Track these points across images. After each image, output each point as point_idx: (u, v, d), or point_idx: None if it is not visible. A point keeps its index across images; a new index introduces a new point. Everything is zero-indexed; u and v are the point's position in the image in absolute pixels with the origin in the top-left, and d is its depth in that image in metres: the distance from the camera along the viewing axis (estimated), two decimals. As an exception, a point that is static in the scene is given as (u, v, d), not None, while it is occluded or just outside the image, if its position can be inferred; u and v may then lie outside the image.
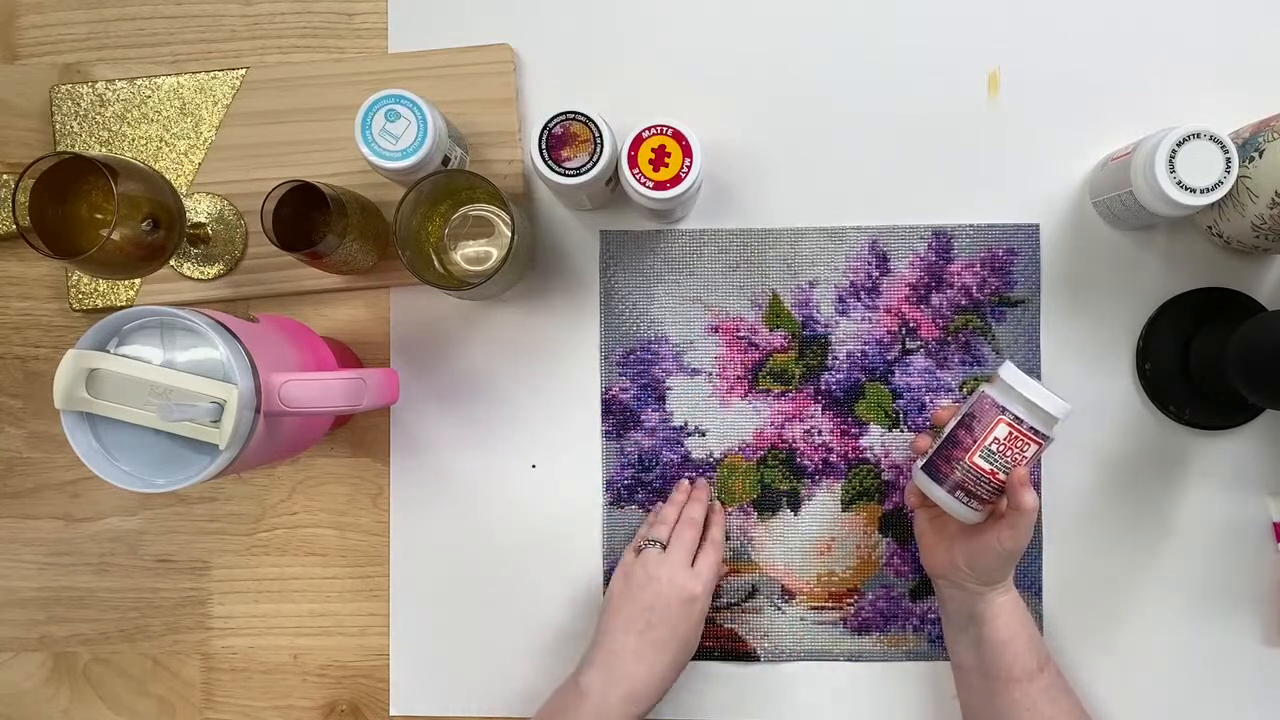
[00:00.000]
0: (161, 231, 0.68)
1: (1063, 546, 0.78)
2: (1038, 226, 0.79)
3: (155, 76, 0.80)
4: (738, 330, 0.79)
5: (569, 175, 0.68)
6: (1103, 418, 0.78)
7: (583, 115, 0.68)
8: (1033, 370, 0.78)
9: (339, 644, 0.81)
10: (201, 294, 0.80)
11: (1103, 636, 0.78)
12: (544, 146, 0.68)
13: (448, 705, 0.80)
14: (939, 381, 0.79)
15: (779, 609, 0.79)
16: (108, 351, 0.61)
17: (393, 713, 0.80)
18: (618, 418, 0.79)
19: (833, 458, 0.79)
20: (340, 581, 0.81)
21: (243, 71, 0.79)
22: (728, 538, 0.78)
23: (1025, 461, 0.66)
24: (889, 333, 0.79)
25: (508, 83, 0.79)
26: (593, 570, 0.79)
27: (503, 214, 0.77)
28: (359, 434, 0.81)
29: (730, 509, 0.79)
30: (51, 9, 0.81)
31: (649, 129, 0.69)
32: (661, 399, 0.79)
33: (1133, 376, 0.78)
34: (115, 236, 0.64)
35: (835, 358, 0.79)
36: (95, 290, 0.80)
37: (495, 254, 0.77)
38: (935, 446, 0.68)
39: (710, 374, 0.79)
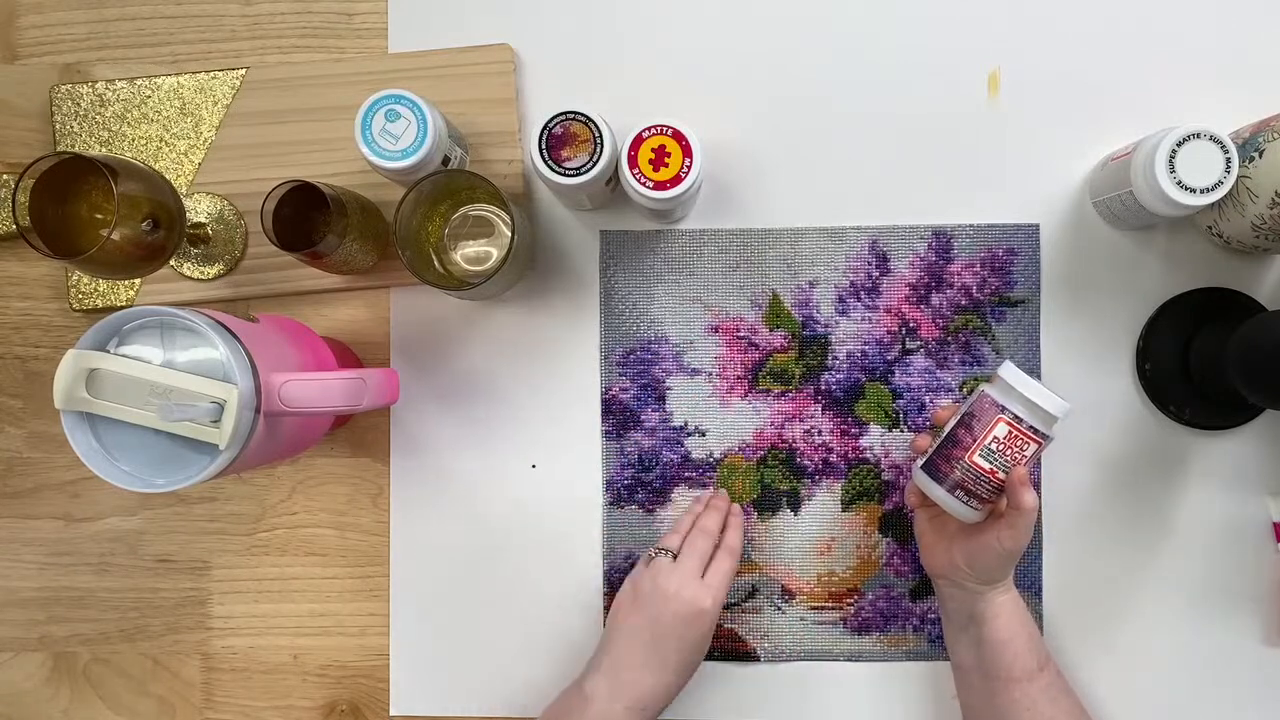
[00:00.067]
0: (161, 231, 0.68)
1: (1063, 546, 0.78)
2: (1038, 226, 0.79)
3: (155, 76, 0.80)
4: (738, 330, 0.79)
5: (569, 175, 0.68)
6: (1103, 418, 0.78)
7: (583, 115, 0.68)
8: (1033, 370, 0.78)
9: (339, 644, 0.81)
10: (201, 294, 0.80)
11: (1103, 636, 0.78)
12: (544, 146, 0.68)
13: (448, 705, 0.80)
14: (939, 381, 0.79)
15: (779, 609, 0.79)
16: (108, 351, 0.61)
17: (393, 713, 0.80)
18: (618, 418, 0.79)
19: (833, 458, 0.79)
20: (340, 581, 0.81)
21: (243, 71, 0.79)
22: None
23: (1025, 461, 0.66)
24: (889, 333, 0.79)
25: (508, 83, 0.79)
26: (593, 570, 0.79)
27: (503, 214, 0.77)
28: (359, 434, 0.81)
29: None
30: (51, 9, 0.81)
31: (649, 129, 0.69)
32: (661, 399, 0.79)
33: (1133, 376, 0.78)
34: (115, 236, 0.64)
35: (835, 358, 0.79)
36: (95, 290, 0.80)
37: (495, 254, 0.77)
38: (935, 446, 0.68)
39: (710, 374, 0.79)
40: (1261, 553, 0.77)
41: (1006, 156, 0.79)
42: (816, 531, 0.79)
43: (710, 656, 0.77)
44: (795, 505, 0.79)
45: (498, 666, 0.79)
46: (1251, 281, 0.77)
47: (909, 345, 0.79)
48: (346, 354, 0.78)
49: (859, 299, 0.79)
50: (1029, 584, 0.78)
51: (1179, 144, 0.67)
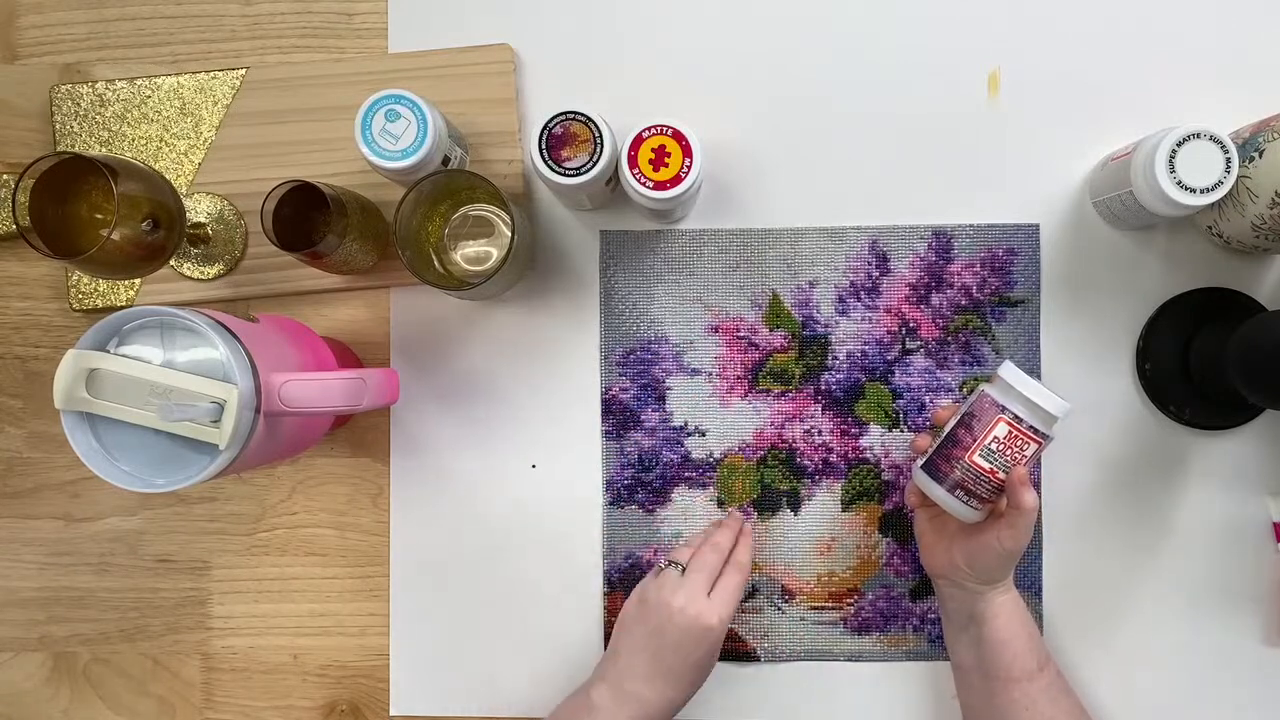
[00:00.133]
0: (161, 231, 0.68)
1: (1063, 546, 0.78)
2: (1038, 226, 0.79)
3: (155, 76, 0.80)
4: (738, 330, 0.79)
5: (569, 175, 0.68)
6: (1103, 418, 0.78)
7: (583, 115, 0.68)
8: (1033, 370, 0.78)
9: (339, 644, 0.81)
10: (201, 294, 0.80)
11: (1102, 636, 0.78)
12: (544, 146, 0.68)
13: (448, 705, 0.80)
14: (939, 381, 0.79)
15: (779, 609, 0.79)
16: (108, 351, 0.61)
17: (393, 713, 0.80)
18: (618, 418, 0.79)
19: (833, 458, 0.79)
20: (340, 581, 0.81)
21: (243, 71, 0.79)
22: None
23: (1025, 461, 0.66)
24: (889, 333, 0.79)
25: (508, 83, 0.79)
26: (593, 570, 0.79)
27: (503, 214, 0.77)
28: (359, 434, 0.81)
29: (730, 509, 0.79)
30: (51, 9, 0.81)
31: (649, 129, 0.69)
32: (661, 399, 0.79)
33: (1133, 376, 0.78)
34: (115, 236, 0.64)
35: (835, 358, 0.79)
36: (95, 290, 0.80)
37: (495, 254, 0.77)
38: (935, 446, 0.68)
39: (710, 374, 0.79)
40: (1261, 553, 0.77)
41: (1006, 156, 0.79)
42: (816, 531, 0.79)
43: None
44: (795, 505, 0.79)
45: (498, 666, 0.79)
46: (1251, 281, 0.77)
47: (909, 345, 0.79)
48: (346, 354, 0.78)
49: (859, 299, 0.79)
50: (1029, 584, 0.78)
51: (1179, 144, 0.67)
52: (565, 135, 0.68)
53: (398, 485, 0.80)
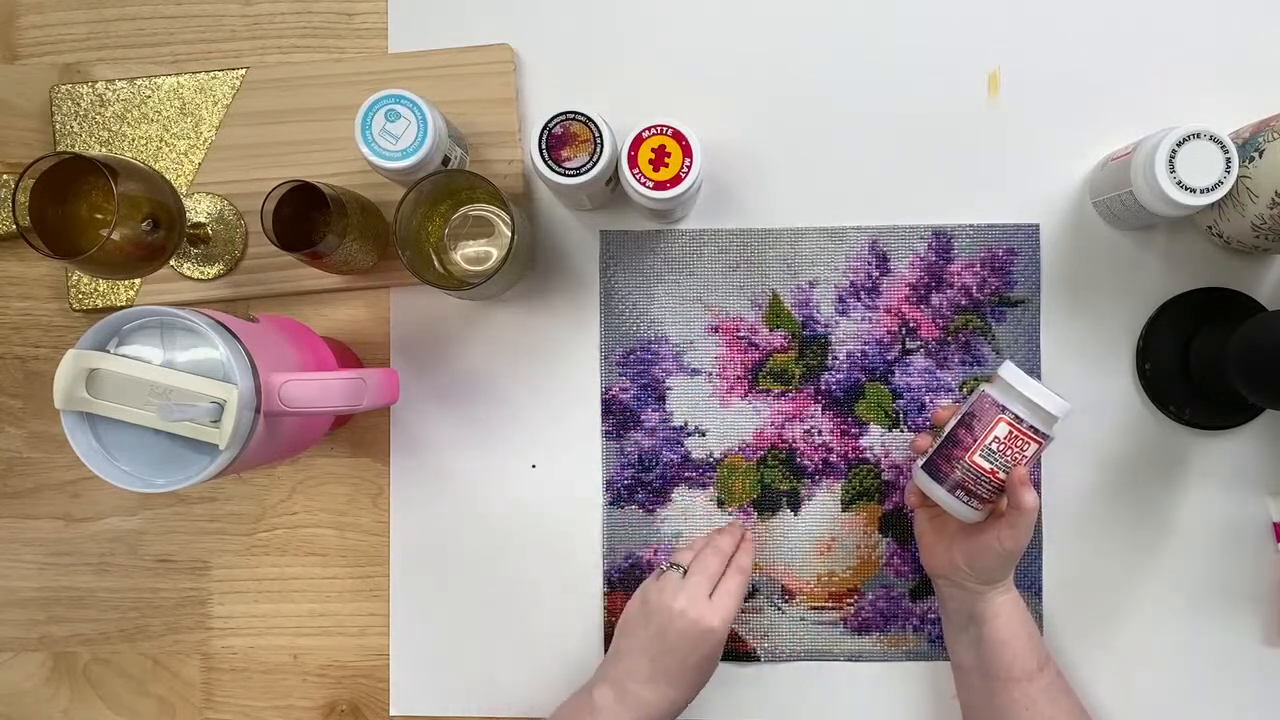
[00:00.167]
0: (161, 231, 0.68)
1: (1063, 546, 0.78)
2: (1038, 226, 0.79)
3: (155, 76, 0.80)
4: (738, 330, 0.79)
5: (569, 175, 0.68)
6: (1103, 418, 0.78)
7: (583, 115, 0.68)
8: (1033, 370, 0.78)
9: (339, 644, 0.81)
10: (201, 294, 0.80)
11: (1102, 636, 0.78)
12: (544, 146, 0.68)
13: (448, 705, 0.80)
14: (939, 381, 0.79)
15: (779, 609, 0.79)
16: (108, 351, 0.61)
17: (393, 713, 0.80)
18: (618, 418, 0.79)
19: (833, 458, 0.79)
20: (340, 581, 0.81)
21: (243, 71, 0.79)
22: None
23: (1025, 461, 0.66)
24: (889, 333, 0.79)
25: (508, 83, 0.79)
26: (593, 570, 0.79)
27: (503, 214, 0.77)
28: (359, 434, 0.81)
29: (730, 509, 0.79)
30: (51, 9, 0.81)
31: (649, 129, 0.69)
32: (661, 399, 0.79)
33: (1133, 376, 0.78)
34: (115, 236, 0.64)
35: (835, 358, 0.79)
36: (95, 290, 0.80)
37: (495, 254, 0.77)
38: (935, 446, 0.68)
39: (710, 374, 0.79)
40: (1261, 553, 0.77)
41: (1006, 156, 0.79)
42: (816, 531, 0.79)
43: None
44: (795, 505, 0.79)
45: (498, 666, 0.79)
46: (1251, 281, 0.77)
47: (909, 345, 0.79)
48: (346, 354, 0.78)
49: (859, 299, 0.79)
50: (1029, 584, 0.78)
51: (1179, 144, 0.67)
52: (565, 135, 0.68)
53: (398, 485, 0.80)
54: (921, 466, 0.69)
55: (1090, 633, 0.78)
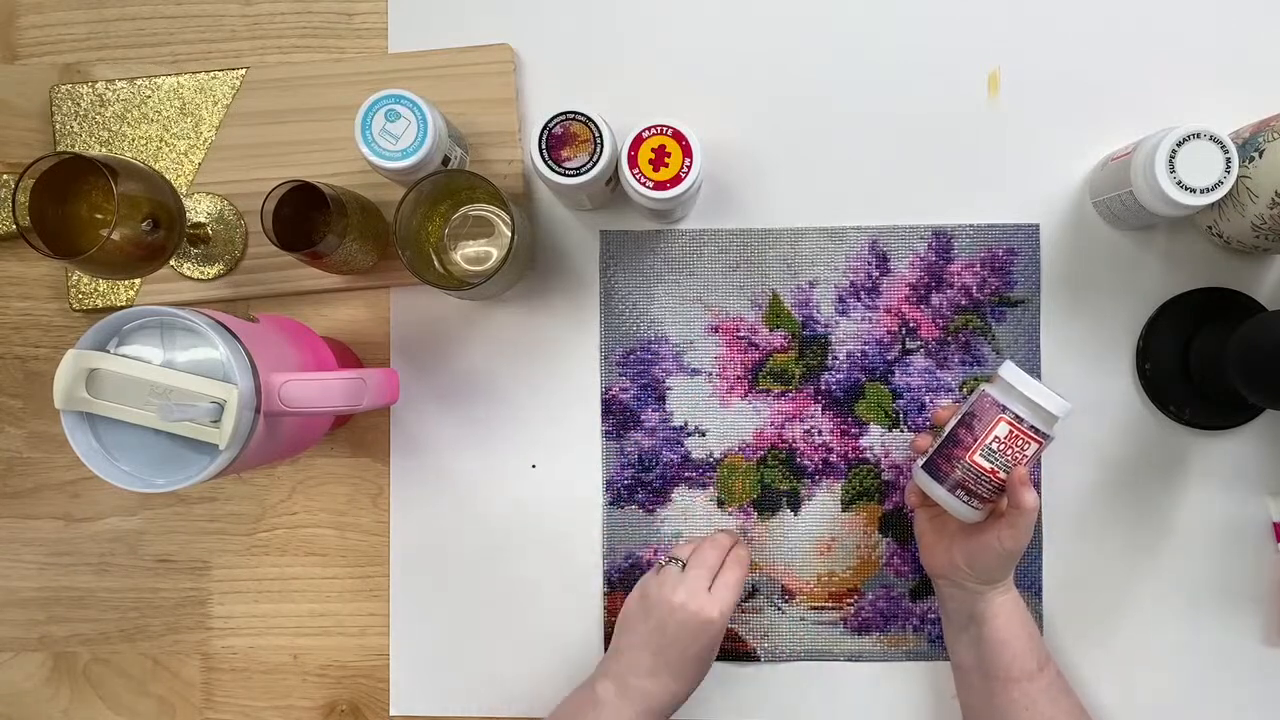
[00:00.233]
0: (161, 231, 0.68)
1: (1063, 546, 0.78)
2: (1038, 226, 0.79)
3: (155, 76, 0.80)
4: (738, 330, 0.79)
5: (569, 175, 0.68)
6: (1103, 418, 0.78)
7: (583, 115, 0.68)
8: (1033, 370, 0.78)
9: (339, 644, 0.81)
10: (201, 294, 0.80)
11: (1102, 636, 0.78)
12: (544, 146, 0.68)
13: (448, 705, 0.80)
14: (939, 381, 0.79)
15: (779, 609, 0.79)
16: (108, 351, 0.61)
17: (393, 713, 0.80)
18: (618, 418, 0.79)
19: (833, 458, 0.79)
20: (340, 581, 0.81)
21: (243, 71, 0.79)
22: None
23: (1025, 460, 0.66)
24: (889, 333, 0.79)
25: (508, 83, 0.79)
26: (593, 570, 0.79)
27: (503, 214, 0.77)
28: (359, 434, 0.81)
29: (730, 509, 0.79)
30: (51, 9, 0.81)
31: (649, 129, 0.69)
32: (661, 399, 0.79)
33: (1133, 376, 0.78)
34: (115, 236, 0.64)
35: (835, 358, 0.79)
36: (95, 290, 0.80)
37: (495, 254, 0.77)
38: (936, 445, 0.68)
39: (710, 374, 0.79)
40: (1261, 553, 0.77)
41: (1006, 156, 0.79)
42: (816, 531, 0.79)
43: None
44: (795, 505, 0.79)
45: (498, 666, 0.79)
46: (1251, 281, 0.77)
47: (909, 345, 0.79)
48: (346, 354, 0.78)
49: (859, 299, 0.79)
50: (1029, 584, 0.78)
51: (1179, 144, 0.67)
52: (565, 135, 0.68)
53: (398, 485, 0.80)
54: (922, 466, 0.69)
55: (1090, 633, 0.78)
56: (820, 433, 0.79)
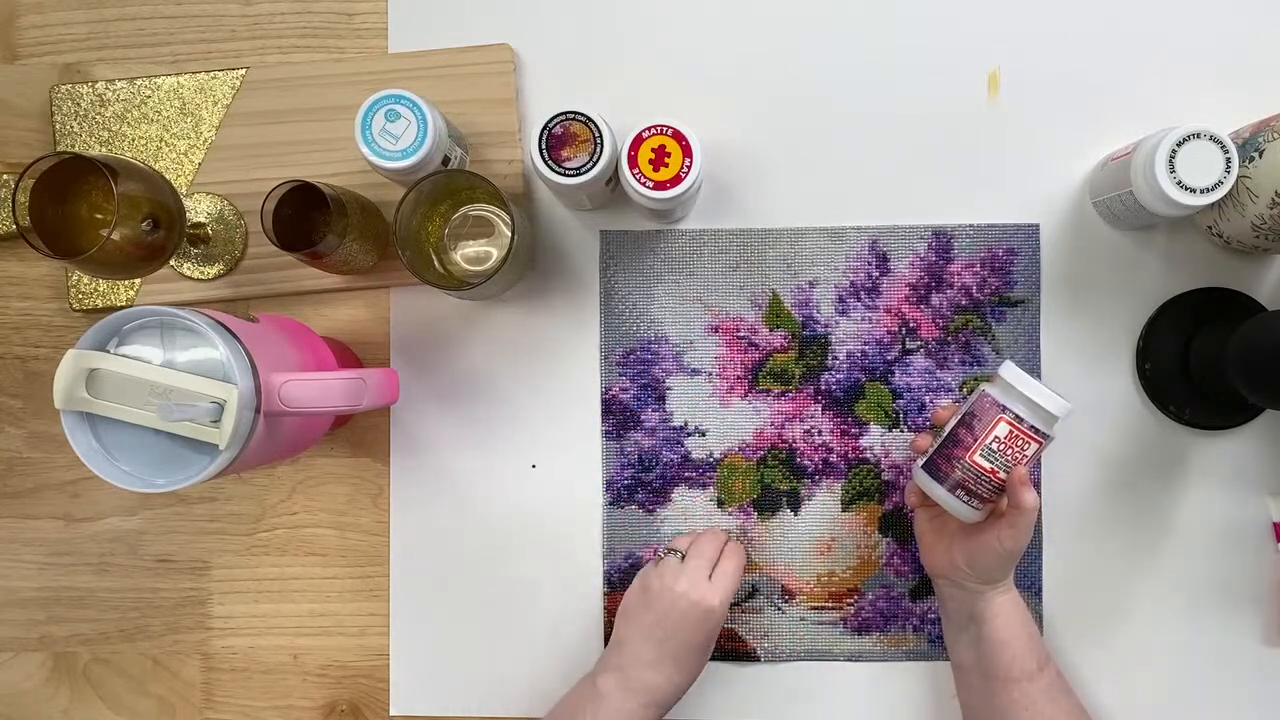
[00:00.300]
0: (161, 231, 0.68)
1: (1063, 546, 0.78)
2: (1038, 226, 0.79)
3: (155, 76, 0.80)
4: (738, 330, 0.79)
5: (569, 175, 0.68)
6: (1103, 418, 0.78)
7: (583, 115, 0.68)
8: (1033, 370, 0.78)
9: (339, 644, 0.81)
10: (201, 294, 0.80)
11: (1102, 636, 0.78)
12: (544, 146, 0.68)
13: (448, 705, 0.80)
14: (939, 381, 0.79)
15: (779, 609, 0.79)
16: (108, 351, 0.61)
17: (393, 713, 0.80)
18: (618, 418, 0.79)
19: (833, 458, 0.79)
20: (340, 581, 0.81)
21: (243, 71, 0.79)
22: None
23: (1025, 460, 0.66)
24: (889, 333, 0.79)
25: (508, 83, 0.79)
26: (593, 570, 0.79)
27: (503, 214, 0.77)
28: (359, 434, 0.81)
29: (730, 509, 0.79)
30: (51, 9, 0.81)
31: (649, 129, 0.69)
32: (661, 399, 0.79)
33: (1133, 376, 0.78)
34: (115, 236, 0.64)
35: (835, 358, 0.79)
36: (95, 290, 0.80)
37: (495, 254, 0.77)
38: (936, 445, 0.68)
39: (710, 374, 0.79)
40: (1261, 553, 0.77)
41: (1006, 156, 0.79)
42: (816, 531, 0.79)
43: (710, 657, 0.77)
44: (795, 505, 0.79)
45: (498, 666, 0.79)
46: (1251, 281, 0.77)
47: (909, 345, 0.79)
48: (346, 354, 0.78)
49: (859, 299, 0.79)
50: (1029, 584, 0.78)
51: (1179, 144, 0.67)
52: (565, 135, 0.68)
53: (398, 485, 0.80)
54: (921, 466, 0.69)
55: (1090, 633, 0.78)
56: (820, 433, 0.79)
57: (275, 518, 0.81)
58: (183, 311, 0.60)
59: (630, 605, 0.71)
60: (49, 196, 0.66)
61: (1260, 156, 0.66)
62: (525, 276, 0.80)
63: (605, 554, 0.79)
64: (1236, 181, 0.67)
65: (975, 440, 0.66)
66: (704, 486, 0.79)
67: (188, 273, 0.79)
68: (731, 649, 0.79)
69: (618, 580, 0.79)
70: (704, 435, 0.79)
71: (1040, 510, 0.75)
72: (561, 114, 0.68)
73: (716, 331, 0.79)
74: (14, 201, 0.64)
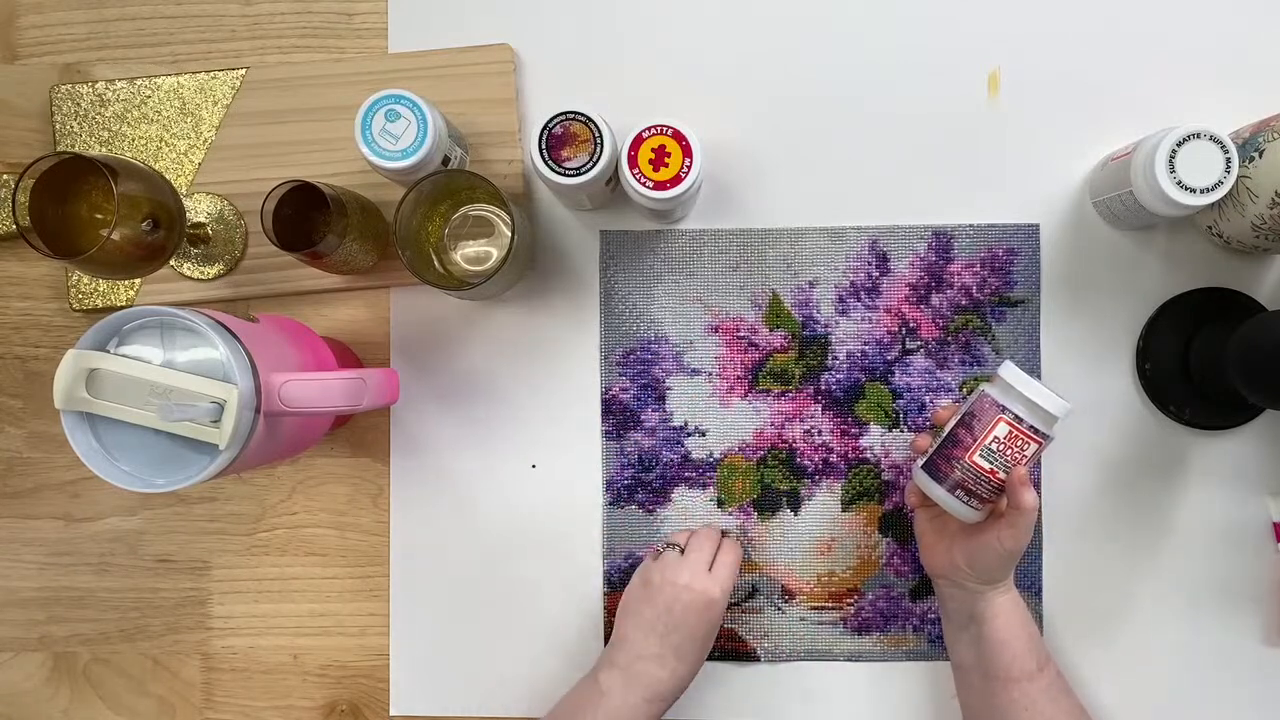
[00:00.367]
0: (161, 231, 0.68)
1: (1063, 546, 0.78)
2: (1038, 226, 0.79)
3: (155, 76, 0.80)
4: (738, 330, 0.79)
5: (569, 175, 0.68)
6: (1103, 418, 0.78)
7: (583, 115, 0.68)
8: (1033, 370, 0.78)
9: (339, 644, 0.81)
10: (201, 294, 0.80)
11: (1103, 636, 0.78)
12: (544, 146, 0.68)
13: (448, 705, 0.80)
14: (939, 381, 0.79)
15: (779, 609, 0.79)
16: (108, 351, 0.61)
17: (393, 713, 0.80)
18: (618, 418, 0.79)
19: (833, 458, 0.79)
20: (340, 581, 0.81)
21: (243, 71, 0.79)
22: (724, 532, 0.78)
23: (1025, 460, 0.66)
24: (889, 333, 0.79)
25: (508, 83, 0.79)
26: (593, 570, 0.79)
27: (503, 214, 0.77)
28: (359, 434, 0.81)
29: (730, 509, 0.79)
30: (51, 9, 0.81)
31: (649, 129, 0.69)
32: (661, 399, 0.79)
33: (1133, 376, 0.78)
34: (115, 236, 0.64)
35: (835, 358, 0.79)
36: (95, 290, 0.80)
37: (495, 254, 0.77)
38: (935, 445, 0.68)
39: (710, 374, 0.79)
40: (1261, 553, 0.77)
41: (1006, 156, 0.79)
42: (816, 531, 0.79)
43: (710, 656, 0.77)
44: (795, 505, 0.79)
45: (498, 666, 0.79)
46: (1251, 281, 0.77)
47: (909, 345, 0.79)
48: (346, 354, 0.78)
49: (859, 299, 0.79)
50: (1029, 584, 0.78)
51: (1179, 144, 0.67)
52: (565, 135, 0.68)
53: (398, 485, 0.80)
54: (921, 466, 0.69)
55: (1090, 633, 0.78)
56: (820, 433, 0.79)
57: (275, 518, 0.81)
58: (183, 311, 0.60)
59: (631, 601, 0.71)
60: (49, 196, 0.66)
61: (1260, 156, 0.66)
62: (525, 276, 0.80)
63: (605, 554, 0.79)
64: (1236, 181, 0.67)
65: (975, 440, 0.66)
66: (704, 486, 0.79)
67: (188, 273, 0.79)
68: (731, 649, 0.79)
69: (618, 580, 0.79)
70: (704, 435, 0.79)
71: (1040, 510, 0.75)
72: (561, 114, 0.68)
73: (716, 331, 0.79)
74: (14, 201, 0.64)
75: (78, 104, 0.80)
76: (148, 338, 0.61)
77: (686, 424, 0.79)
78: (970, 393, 0.74)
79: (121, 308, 0.76)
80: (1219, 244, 0.74)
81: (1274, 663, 0.77)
